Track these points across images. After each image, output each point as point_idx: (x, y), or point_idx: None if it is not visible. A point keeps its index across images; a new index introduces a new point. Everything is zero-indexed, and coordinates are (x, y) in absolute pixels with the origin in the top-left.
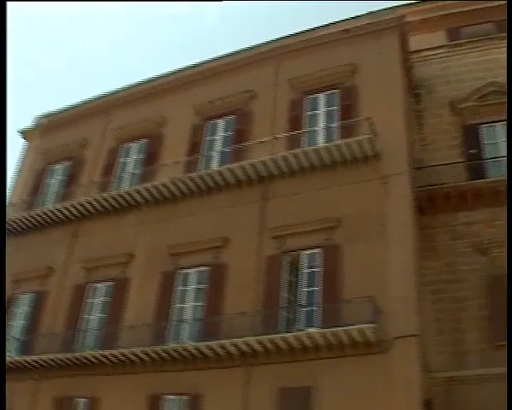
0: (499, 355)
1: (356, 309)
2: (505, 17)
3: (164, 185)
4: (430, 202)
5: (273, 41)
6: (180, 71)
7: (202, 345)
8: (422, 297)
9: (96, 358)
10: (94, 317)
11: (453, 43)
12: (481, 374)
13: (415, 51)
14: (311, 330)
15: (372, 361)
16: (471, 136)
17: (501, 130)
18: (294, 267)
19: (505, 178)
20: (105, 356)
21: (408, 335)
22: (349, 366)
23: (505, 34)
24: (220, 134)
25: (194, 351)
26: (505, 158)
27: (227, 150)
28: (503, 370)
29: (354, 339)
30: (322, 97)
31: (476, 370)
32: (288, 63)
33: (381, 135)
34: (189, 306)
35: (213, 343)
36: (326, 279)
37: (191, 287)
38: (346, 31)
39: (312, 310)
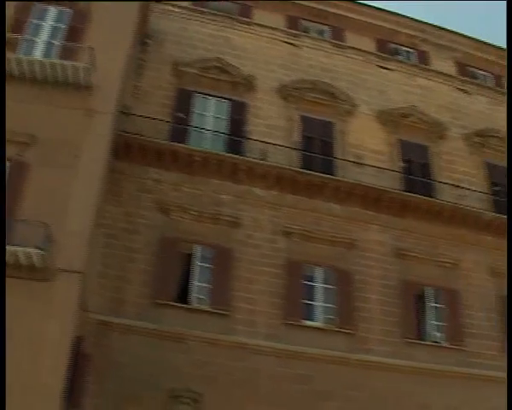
0: (156, 312)
1: (29, 232)
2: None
3: None
4: (127, 150)
5: None
6: None
7: None
8: (95, 238)
9: None
10: None
11: (197, 8)
12: (134, 326)
13: (158, 1)
14: None
15: (34, 288)
16: (183, 100)
17: (213, 104)
18: None
19: (204, 149)
20: None
21: (73, 270)
22: (11, 288)
23: (246, 19)
24: None
25: None
26: (210, 131)
27: None
28: (163, 327)
29: (19, 261)
30: (52, 10)
31: (130, 321)
32: None
33: (98, 69)
34: None
35: None
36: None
37: None
38: None
39: None
